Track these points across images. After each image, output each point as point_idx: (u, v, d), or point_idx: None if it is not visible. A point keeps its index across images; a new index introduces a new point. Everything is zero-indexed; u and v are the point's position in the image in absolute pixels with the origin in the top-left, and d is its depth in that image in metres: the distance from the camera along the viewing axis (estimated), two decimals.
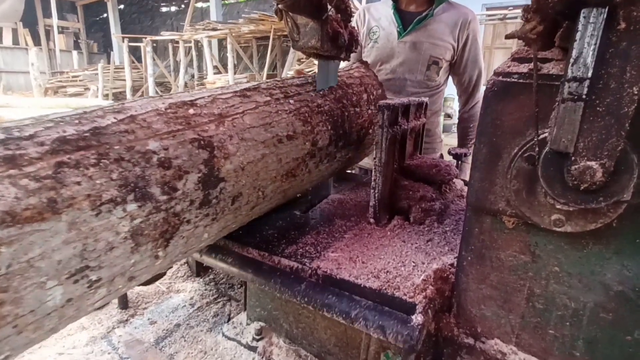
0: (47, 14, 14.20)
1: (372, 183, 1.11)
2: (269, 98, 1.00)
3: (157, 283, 1.56)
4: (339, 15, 1.09)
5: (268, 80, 1.09)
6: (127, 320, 1.34)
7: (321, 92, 1.16)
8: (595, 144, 0.49)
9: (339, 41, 1.11)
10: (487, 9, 7.44)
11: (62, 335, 1.24)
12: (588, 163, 0.50)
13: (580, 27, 0.46)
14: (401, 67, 1.61)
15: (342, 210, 1.28)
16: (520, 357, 0.81)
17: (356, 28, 1.71)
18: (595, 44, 0.46)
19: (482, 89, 1.63)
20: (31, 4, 14.01)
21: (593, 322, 0.72)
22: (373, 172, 1.11)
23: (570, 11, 0.47)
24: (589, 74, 0.47)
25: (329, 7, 1.00)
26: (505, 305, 0.81)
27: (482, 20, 6.72)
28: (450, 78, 1.75)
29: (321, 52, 1.10)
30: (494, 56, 7.59)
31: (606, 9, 0.45)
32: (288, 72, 7.51)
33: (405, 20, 1.58)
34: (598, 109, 0.48)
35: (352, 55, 1.27)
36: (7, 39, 13.53)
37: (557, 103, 0.51)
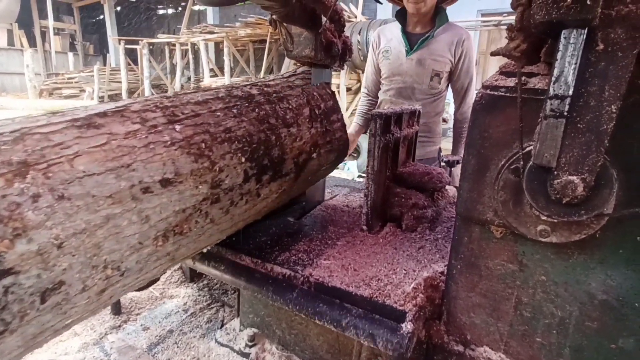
0: (43, 15, 14.15)
1: (365, 190, 1.12)
2: (137, 126, 0.72)
3: (150, 289, 1.56)
4: (333, 26, 1.11)
5: (158, 96, 0.85)
6: (119, 326, 1.33)
7: (234, 111, 0.91)
8: (576, 159, 0.51)
9: (332, 50, 1.12)
10: (482, 15, 7.52)
11: (55, 342, 1.23)
12: (570, 177, 0.52)
13: (561, 47, 0.48)
14: (410, 79, 1.93)
15: (336, 217, 1.29)
16: None
17: (372, 47, 2.06)
18: (575, 64, 0.48)
19: (473, 94, 1.89)
20: (27, 5, 13.94)
21: (579, 330, 0.74)
22: (365, 180, 1.12)
23: (552, 31, 0.49)
24: (570, 92, 0.49)
25: (323, 17, 1.02)
26: (494, 313, 0.82)
27: (477, 26, 6.79)
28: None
29: (315, 61, 1.11)
30: (489, 62, 7.67)
31: (585, 31, 0.47)
32: None
33: (412, 41, 1.91)
34: (579, 125, 0.50)
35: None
36: (2, 40, 13.45)
37: (540, 119, 0.53)
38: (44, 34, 14.53)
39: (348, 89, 6.69)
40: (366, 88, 2.15)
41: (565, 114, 0.50)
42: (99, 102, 9.80)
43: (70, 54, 13.77)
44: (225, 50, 8.80)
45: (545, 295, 0.75)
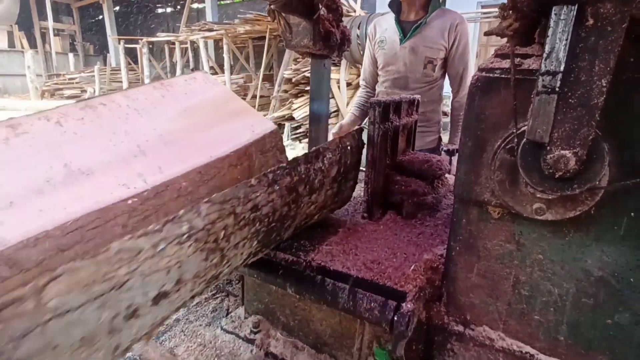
0: (42, 16, 14.19)
1: (365, 178, 1.14)
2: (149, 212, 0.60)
3: None
4: (331, 15, 1.12)
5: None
6: None
7: (270, 176, 0.72)
8: (568, 134, 0.52)
9: (331, 40, 1.13)
10: (483, 7, 7.49)
11: None
12: (562, 152, 0.53)
13: (552, 23, 0.49)
14: (404, 68, 1.93)
15: None
16: (507, 343, 0.84)
17: (368, 38, 2.05)
18: (566, 40, 0.49)
19: (469, 80, 1.88)
20: (26, 6, 13.98)
21: (575, 307, 0.75)
22: (366, 168, 1.14)
23: (543, 8, 0.50)
24: (562, 68, 0.50)
25: (321, 6, 1.03)
26: (492, 293, 0.84)
27: (477, 18, 6.76)
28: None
29: (314, 51, 1.13)
30: (490, 53, 7.64)
31: (576, 7, 0.48)
32: (284, 72, 7.52)
33: (405, 29, 1.91)
34: (570, 100, 0.51)
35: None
36: (3, 42, 13.50)
37: (533, 95, 0.54)
38: (44, 35, 14.59)
39: (348, 84, 6.69)
40: (364, 80, 2.18)
41: (557, 89, 0.51)
42: None
43: (71, 55, 13.82)
44: (225, 47, 8.81)
45: (542, 274, 0.77)
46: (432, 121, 2.02)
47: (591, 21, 0.47)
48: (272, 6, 0.97)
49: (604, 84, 0.49)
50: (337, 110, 6.60)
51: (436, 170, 1.29)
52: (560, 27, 0.49)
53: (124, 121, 0.79)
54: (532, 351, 0.81)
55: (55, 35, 14.22)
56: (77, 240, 0.55)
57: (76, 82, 11.64)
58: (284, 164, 0.77)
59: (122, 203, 0.65)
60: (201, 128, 0.89)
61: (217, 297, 1.49)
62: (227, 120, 0.94)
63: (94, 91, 10.97)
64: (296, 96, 6.90)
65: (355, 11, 6.97)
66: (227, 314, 1.36)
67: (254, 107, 6.50)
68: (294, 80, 6.93)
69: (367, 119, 1.19)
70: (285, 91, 7.12)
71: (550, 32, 0.49)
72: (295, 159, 0.81)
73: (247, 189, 0.66)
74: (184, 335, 1.27)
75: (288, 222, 0.83)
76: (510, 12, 0.53)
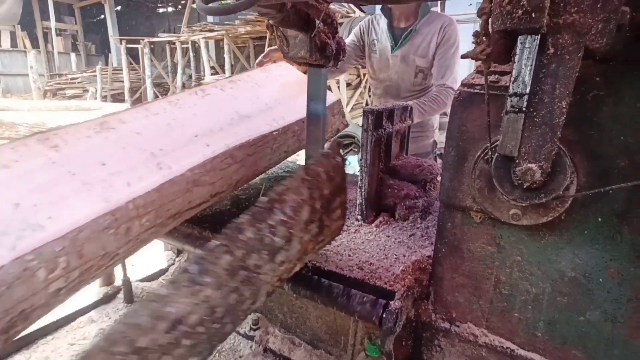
0: (44, 16, 14.26)
1: (359, 182, 1.19)
2: None
3: (160, 279, 1.65)
4: (326, 28, 1.17)
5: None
6: None
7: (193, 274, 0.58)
8: (534, 148, 0.58)
9: (326, 51, 1.19)
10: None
11: (73, 328, 1.33)
12: (529, 165, 0.59)
13: (518, 51, 0.55)
14: (395, 75, 1.97)
15: None
16: (490, 339, 0.90)
17: (360, 31, 2.01)
18: (531, 65, 0.55)
19: (454, 75, 1.88)
20: (29, 6, 14.05)
21: (551, 305, 0.81)
22: (359, 172, 1.20)
23: (510, 37, 0.56)
24: (527, 90, 0.56)
25: (317, 21, 1.08)
26: (476, 292, 0.90)
27: (472, 19, 6.80)
28: None
29: (310, 62, 1.18)
30: None
31: (538, 37, 0.53)
32: None
33: (396, 36, 1.91)
34: (535, 119, 0.57)
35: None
36: (5, 42, 13.59)
37: (503, 114, 0.60)
38: (46, 35, 14.66)
39: (348, 84, 6.75)
40: None
41: (524, 109, 0.57)
42: (102, 101, 9.90)
43: (73, 55, 13.90)
44: (226, 47, 8.87)
45: (521, 274, 0.83)
46: (426, 126, 2.06)
47: (552, 50, 0.53)
48: (270, 21, 1.03)
49: (564, 105, 0.55)
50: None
51: (428, 175, 1.35)
52: (525, 54, 0.54)
53: (253, 90, 1.30)
54: (513, 346, 0.87)
55: (57, 35, 14.30)
56: (248, 153, 1.06)
57: (78, 82, 11.71)
58: (218, 242, 0.63)
59: (269, 135, 1.16)
60: (294, 96, 1.38)
61: None
62: (297, 89, 1.43)
63: (96, 91, 11.04)
64: None
65: (354, 12, 7.02)
66: None
67: None
68: None
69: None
70: None
71: (516, 59, 0.55)
72: (237, 225, 0.66)
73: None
74: None
75: (246, 303, 0.67)
76: (484, 37, 0.58)
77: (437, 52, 1.85)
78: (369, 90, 6.20)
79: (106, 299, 1.48)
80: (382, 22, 1.96)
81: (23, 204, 0.62)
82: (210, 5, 0.86)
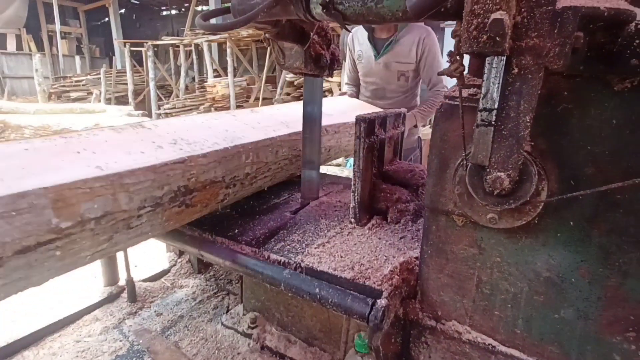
0: (50, 19, 14.42)
1: (352, 187, 1.25)
2: None
3: (162, 279, 1.71)
4: (320, 39, 1.23)
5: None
6: (135, 312, 1.48)
7: None
8: (502, 158, 0.63)
9: (321, 62, 1.25)
10: None
11: (79, 326, 1.39)
12: (498, 174, 0.64)
13: (486, 70, 0.60)
14: (380, 80, 2.23)
15: (328, 212, 1.42)
16: (473, 336, 0.95)
17: (348, 48, 2.32)
18: (498, 83, 0.60)
19: (442, 81, 2.19)
20: (34, 10, 14.22)
21: (529, 304, 0.86)
22: (353, 177, 1.25)
23: (480, 57, 0.61)
24: (495, 106, 0.61)
25: (311, 34, 1.14)
26: (459, 291, 0.95)
27: None
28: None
29: (305, 72, 1.24)
30: None
31: (504, 58, 0.59)
32: (287, 75, 7.65)
33: (378, 46, 2.17)
34: (503, 132, 0.62)
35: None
36: (11, 45, 13.76)
37: (474, 127, 0.65)
38: (51, 38, 14.81)
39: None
40: (351, 80, 2.45)
41: (493, 123, 0.62)
42: (105, 103, 10.01)
43: (77, 57, 14.06)
44: (229, 50, 8.94)
45: (500, 275, 0.88)
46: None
47: (516, 70, 0.58)
48: (267, 35, 1.09)
49: (528, 120, 0.60)
50: None
51: (419, 180, 1.40)
52: (493, 73, 0.60)
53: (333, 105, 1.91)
54: (494, 343, 0.92)
55: (62, 38, 14.45)
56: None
57: (82, 85, 11.83)
58: None
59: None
60: (352, 112, 1.84)
61: (218, 296, 1.61)
62: (359, 109, 1.97)
63: (100, 93, 11.16)
64: (298, 99, 7.03)
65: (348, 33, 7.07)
66: (227, 311, 1.48)
67: None
68: (295, 83, 7.06)
69: None
70: (288, 94, 7.25)
71: (485, 77, 0.61)
72: None
73: None
74: (188, 330, 1.40)
75: None
76: (457, 57, 0.64)
77: (422, 63, 2.12)
78: None
79: (110, 298, 1.54)
80: (363, 34, 2.22)
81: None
82: (211, 22, 0.92)
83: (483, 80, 0.61)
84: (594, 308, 0.79)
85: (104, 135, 1.01)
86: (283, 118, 1.58)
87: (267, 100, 8.80)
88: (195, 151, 1.08)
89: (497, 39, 0.54)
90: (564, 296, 0.82)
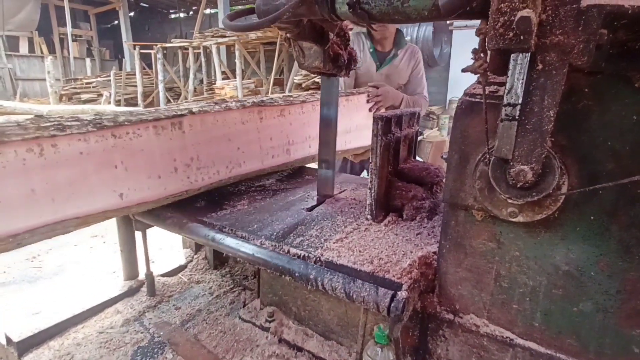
0: (61, 22, 14.66)
1: (369, 184, 1.27)
2: None
3: (179, 274, 1.74)
4: (339, 40, 1.26)
5: None
6: (155, 306, 1.52)
7: None
8: (526, 152, 0.65)
9: (339, 61, 1.28)
10: None
11: (101, 318, 1.43)
12: (521, 167, 0.66)
13: (511, 67, 0.62)
14: None
15: (344, 209, 1.44)
16: (491, 329, 0.96)
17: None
18: (522, 79, 0.62)
19: (424, 90, 2.52)
20: (46, 13, 14.47)
21: (547, 297, 0.88)
22: (369, 175, 1.27)
23: (505, 54, 0.64)
24: (520, 101, 0.63)
25: (331, 34, 1.17)
26: (477, 285, 0.96)
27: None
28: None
29: (324, 71, 1.27)
30: None
31: (529, 54, 0.61)
32: (295, 77, 7.71)
33: (380, 58, 2.42)
34: (527, 126, 0.64)
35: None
36: (24, 48, 14.00)
37: (499, 121, 0.68)
38: (62, 41, 15.05)
39: None
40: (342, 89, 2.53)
41: (517, 117, 0.64)
42: (115, 105, 10.15)
43: (88, 60, 14.26)
44: (237, 53, 9.03)
45: (519, 268, 0.90)
46: None
47: (540, 66, 0.60)
48: (288, 35, 1.12)
49: (552, 114, 0.62)
50: None
51: (434, 177, 1.42)
52: (517, 69, 0.62)
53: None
54: (512, 336, 0.94)
55: (73, 40, 14.68)
56: None
57: (93, 87, 12.00)
58: None
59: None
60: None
61: (234, 291, 1.64)
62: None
63: (110, 95, 11.32)
64: None
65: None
66: (244, 306, 1.51)
67: None
68: (304, 85, 7.11)
69: None
70: None
71: (510, 73, 0.63)
72: None
73: None
74: (206, 323, 1.43)
75: None
76: (481, 54, 0.66)
77: (413, 72, 2.47)
78: None
79: (131, 292, 1.57)
80: (367, 44, 2.41)
81: None
82: (236, 22, 0.95)
83: (507, 77, 0.64)
84: (613, 301, 0.81)
85: None
86: None
87: None
88: None
89: (524, 36, 0.56)
90: (583, 289, 0.83)
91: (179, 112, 1.31)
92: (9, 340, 1.27)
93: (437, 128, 7.83)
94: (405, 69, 2.44)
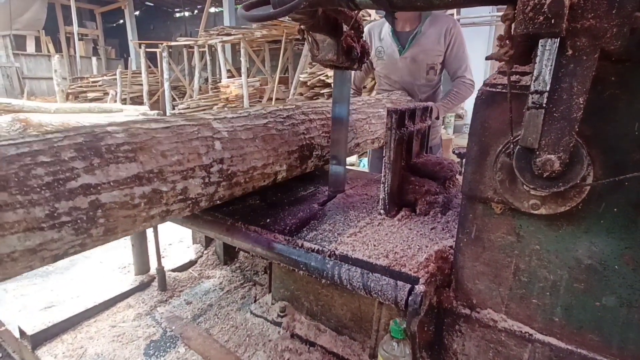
0: (67, 21, 14.74)
1: (382, 178, 1.26)
2: None
3: (189, 270, 1.74)
4: (353, 32, 1.25)
5: None
6: (166, 300, 1.52)
7: None
8: (553, 141, 0.64)
9: (352, 54, 1.26)
10: (498, 10, 7.48)
11: (113, 312, 1.43)
12: (548, 156, 0.65)
13: (539, 52, 0.61)
14: (408, 77, 2.11)
15: (356, 204, 1.43)
16: (509, 324, 0.95)
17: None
18: (551, 66, 0.61)
19: (468, 72, 2.08)
20: (53, 12, 14.56)
21: (568, 292, 0.86)
22: (383, 169, 1.26)
23: (532, 40, 0.62)
24: (547, 88, 0.62)
25: (345, 26, 1.16)
26: (495, 279, 0.95)
27: (492, 21, 6.78)
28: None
29: (337, 64, 1.26)
30: None
31: (558, 40, 0.59)
32: (300, 75, 7.68)
33: (402, 40, 2.06)
34: (554, 114, 0.63)
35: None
36: (31, 47, 14.09)
37: (525, 109, 0.66)
38: (68, 40, 15.13)
39: (363, 87, 6.79)
40: (352, 83, 2.32)
41: (544, 105, 0.63)
42: (121, 103, 10.19)
43: (94, 59, 14.31)
44: (242, 51, 9.01)
45: (539, 262, 0.88)
46: (434, 122, 2.19)
47: (570, 52, 0.59)
48: (302, 26, 1.11)
49: (581, 102, 0.61)
50: None
51: (447, 172, 1.41)
52: (545, 55, 0.60)
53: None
54: (531, 331, 0.92)
55: (79, 39, 14.74)
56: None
57: (99, 85, 12.05)
58: None
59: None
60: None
61: (245, 286, 1.63)
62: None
63: (116, 94, 11.36)
64: (311, 99, 7.05)
65: (370, 15, 7.08)
66: (255, 301, 1.50)
67: None
68: (309, 83, 7.08)
69: None
70: (301, 94, 7.28)
71: (537, 59, 0.61)
72: None
73: None
74: (218, 318, 1.42)
75: None
76: (507, 41, 0.64)
77: (450, 52, 2.02)
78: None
79: (142, 287, 1.57)
80: (385, 29, 2.10)
81: None
82: (252, 12, 0.94)
83: (535, 63, 0.62)
84: (638, 295, 0.79)
85: None
86: None
87: (280, 101, 8.86)
88: None
89: (555, 19, 0.55)
90: (606, 283, 0.82)
91: None
92: (22, 333, 1.27)
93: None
94: (435, 46, 2.00)
